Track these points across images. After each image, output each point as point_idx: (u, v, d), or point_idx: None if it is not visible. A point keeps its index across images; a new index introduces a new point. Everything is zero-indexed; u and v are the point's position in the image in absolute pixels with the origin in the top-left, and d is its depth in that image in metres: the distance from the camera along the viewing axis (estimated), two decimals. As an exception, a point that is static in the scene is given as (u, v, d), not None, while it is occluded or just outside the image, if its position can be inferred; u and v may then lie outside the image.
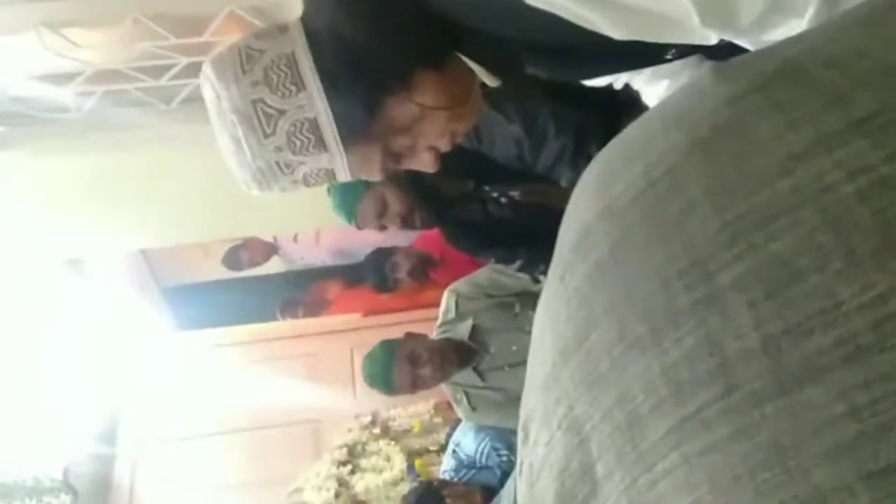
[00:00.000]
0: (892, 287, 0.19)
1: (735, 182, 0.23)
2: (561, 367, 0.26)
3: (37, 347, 2.78)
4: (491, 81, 0.81)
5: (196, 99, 2.03)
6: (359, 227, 1.59)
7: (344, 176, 0.76)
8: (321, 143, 0.71)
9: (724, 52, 0.82)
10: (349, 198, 1.53)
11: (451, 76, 0.76)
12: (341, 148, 0.72)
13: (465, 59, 0.77)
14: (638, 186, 0.26)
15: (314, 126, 0.70)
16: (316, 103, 0.70)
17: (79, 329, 3.05)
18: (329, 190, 1.56)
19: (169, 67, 1.89)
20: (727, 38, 0.66)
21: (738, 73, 0.25)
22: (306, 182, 0.75)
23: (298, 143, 0.71)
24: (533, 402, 0.28)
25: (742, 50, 0.83)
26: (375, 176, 0.79)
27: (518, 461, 0.29)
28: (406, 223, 1.55)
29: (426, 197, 1.54)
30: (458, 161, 1.49)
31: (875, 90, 0.22)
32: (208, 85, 0.72)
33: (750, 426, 0.20)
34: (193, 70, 1.89)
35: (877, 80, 0.22)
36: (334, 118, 0.70)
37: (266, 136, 0.70)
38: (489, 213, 1.60)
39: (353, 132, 0.72)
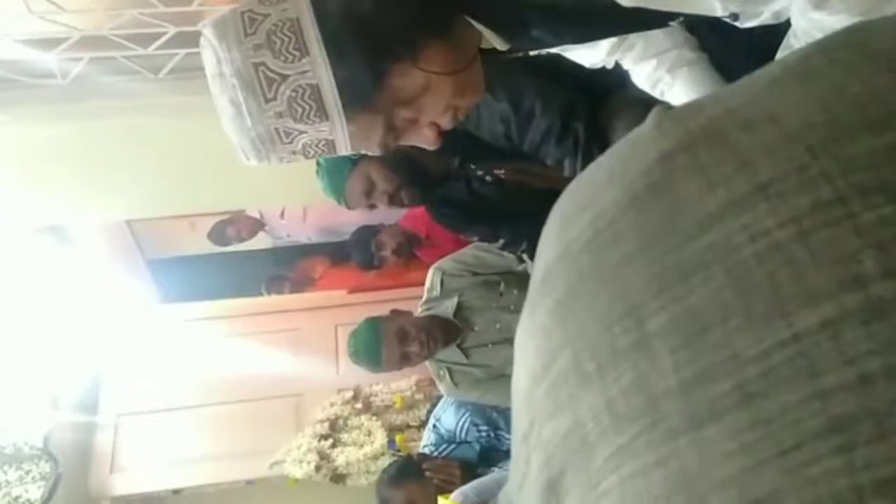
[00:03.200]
0: (777, 342, 0.22)
1: (663, 238, 0.26)
2: (532, 391, 0.30)
3: (18, 314, 2.77)
4: (499, 45, 0.80)
5: (184, 69, 2.02)
6: (349, 207, 1.60)
7: (344, 148, 0.74)
8: (322, 111, 0.70)
9: (720, 26, 0.84)
10: (336, 178, 1.53)
11: (457, 42, 0.75)
12: (343, 117, 0.71)
13: (472, 21, 0.76)
14: (587, 235, 0.28)
15: (316, 93, 0.69)
16: (319, 70, 0.69)
17: (61, 297, 3.03)
18: (317, 171, 1.56)
19: (157, 36, 1.86)
20: (733, 8, 0.66)
21: (671, 127, 0.28)
22: (305, 153, 0.74)
23: (300, 109, 0.70)
24: (518, 420, 0.32)
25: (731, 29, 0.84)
26: (375, 150, 0.78)
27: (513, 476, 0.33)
28: (393, 201, 1.55)
29: (413, 174, 1.55)
30: (445, 138, 1.50)
31: (775, 156, 0.24)
32: (209, 48, 0.70)
33: (667, 456, 0.23)
34: (181, 40, 1.87)
35: (778, 147, 0.24)
36: (337, 86, 0.69)
37: (267, 100, 0.69)
38: (473, 191, 1.61)
39: (356, 101, 0.71)
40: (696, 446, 0.23)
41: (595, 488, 0.25)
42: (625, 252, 0.27)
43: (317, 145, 0.73)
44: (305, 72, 0.69)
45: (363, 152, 0.79)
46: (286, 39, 0.68)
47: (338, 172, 1.52)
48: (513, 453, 0.32)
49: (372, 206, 1.58)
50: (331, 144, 0.74)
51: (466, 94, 0.78)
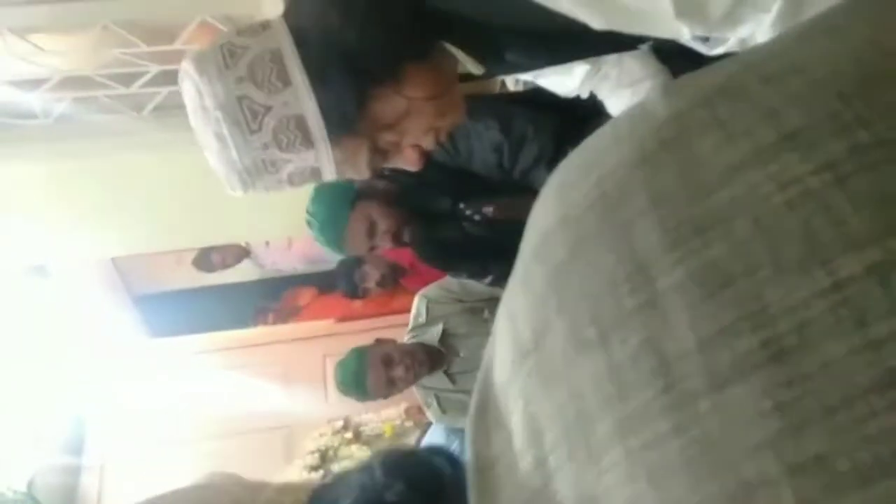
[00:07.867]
0: (815, 292, 0.20)
1: (678, 192, 0.24)
2: (519, 365, 0.28)
3: (1, 354, 2.74)
4: (475, 69, 0.82)
5: (167, 107, 2.04)
6: (348, 254, 1.57)
7: (330, 174, 0.75)
8: (308, 140, 0.71)
9: (691, 56, 0.87)
10: (331, 229, 1.50)
11: (436, 66, 0.76)
12: (328, 144, 0.71)
13: (449, 46, 0.78)
14: (592, 196, 0.27)
15: (301, 122, 0.70)
16: (303, 99, 0.69)
17: (45, 336, 3.00)
18: (309, 223, 1.52)
19: (140, 75, 1.89)
20: (699, 32, 0.68)
21: (683, 89, 0.27)
22: (291, 181, 0.74)
23: (285, 139, 0.70)
24: (493, 397, 0.30)
25: (696, 55, 0.87)
26: (363, 174, 0.78)
27: (471, 455, 0.30)
28: (396, 239, 1.53)
29: (413, 211, 1.54)
30: (438, 178, 1.51)
31: (804, 106, 0.23)
32: (189, 81, 0.71)
33: (685, 422, 0.21)
34: (164, 78, 1.89)
35: (806, 96, 0.23)
36: (322, 114, 0.70)
37: (252, 132, 0.69)
38: (466, 233, 1.60)
39: (341, 128, 0.72)
40: (719, 409, 0.20)
41: (595, 464, 0.23)
42: (634, 209, 0.25)
43: (302, 173, 0.74)
44: (288, 102, 0.69)
45: (351, 176, 0.79)
46: (268, 70, 0.68)
47: (333, 223, 1.49)
48: (470, 436, 0.29)
49: (373, 249, 1.54)
50: (316, 172, 0.74)
51: (447, 116, 0.79)
